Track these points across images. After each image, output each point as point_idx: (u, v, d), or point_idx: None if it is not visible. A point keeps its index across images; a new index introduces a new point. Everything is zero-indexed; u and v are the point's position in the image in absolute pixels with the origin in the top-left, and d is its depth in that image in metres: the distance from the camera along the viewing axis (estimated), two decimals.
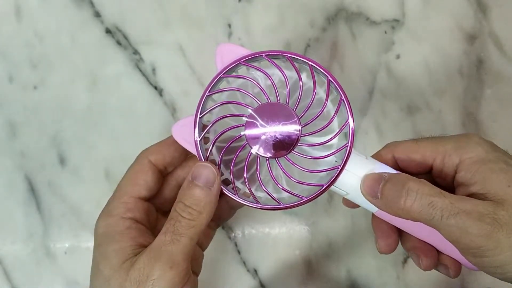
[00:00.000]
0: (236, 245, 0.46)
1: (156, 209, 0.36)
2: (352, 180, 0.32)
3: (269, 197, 0.32)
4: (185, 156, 0.36)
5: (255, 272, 0.46)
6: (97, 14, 0.47)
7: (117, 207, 0.33)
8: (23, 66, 0.47)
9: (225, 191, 0.32)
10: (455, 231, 0.28)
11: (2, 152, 0.46)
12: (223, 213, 0.38)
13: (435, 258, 0.34)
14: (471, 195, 0.30)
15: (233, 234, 0.46)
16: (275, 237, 0.46)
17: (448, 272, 0.34)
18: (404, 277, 0.46)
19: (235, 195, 0.32)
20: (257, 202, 0.32)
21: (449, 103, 0.47)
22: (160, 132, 0.47)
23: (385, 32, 0.47)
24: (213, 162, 0.32)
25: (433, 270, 0.45)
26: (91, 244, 0.46)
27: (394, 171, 0.33)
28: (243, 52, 0.33)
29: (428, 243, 0.34)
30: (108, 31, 0.47)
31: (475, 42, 0.47)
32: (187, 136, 0.32)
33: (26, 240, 0.46)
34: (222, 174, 0.33)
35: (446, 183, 0.33)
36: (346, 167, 0.32)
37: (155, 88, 0.47)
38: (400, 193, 0.29)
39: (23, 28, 0.47)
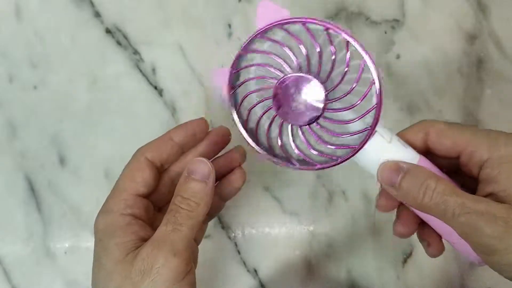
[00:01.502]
0: (236, 245, 0.46)
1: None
2: (372, 157, 0.32)
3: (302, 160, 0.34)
4: (181, 152, 0.36)
5: (255, 272, 0.46)
6: (97, 14, 0.47)
7: (116, 204, 0.33)
8: (23, 66, 0.47)
9: (259, 152, 0.34)
10: (466, 229, 0.29)
11: (2, 152, 0.46)
12: (214, 206, 0.38)
13: (441, 248, 0.35)
14: (492, 194, 0.30)
15: (233, 234, 0.46)
16: (275, 237, 0.46)
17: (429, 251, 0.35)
18: (404, 277, 0.46)
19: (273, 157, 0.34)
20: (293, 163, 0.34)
21: (449, 103, 0.47)
22: (160, 132, 0.47)
23: (385, 32, 0.47)
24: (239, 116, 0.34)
25: (433, 270, 0.45)
26: (91, 244, 0.46)
27: (416, 156, 0.32)
28: (284, 13, 0.33)
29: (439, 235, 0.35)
30: (108, 31, 0.47)
31: (475, 42, 0.47)
32: (223, 84, 0.34)
33: (26, 240, 0.46)
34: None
35: (470, 174, 0.33)
36: (367, 146, 0.32)
37: (155, 88, 0.47)
38: (419, 188, 0.30)
39: (23, 28, 0.47)
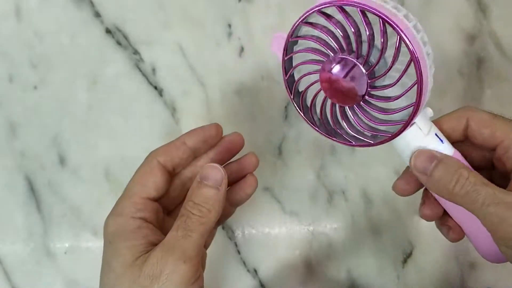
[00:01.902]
0: (236, 245, 0.46)
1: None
2: (416, 134, 0.33)
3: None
4: (193, 157, 0.36)
5: (255, 272, 0.46)
6: (97, 14, 0.47)
7: (127, 207, 0.33)
8: (23, 66, 0.47)
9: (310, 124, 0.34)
10: (494, 220, 0.29)
11: (2, 152, 0.46)
12: (224, 212, 0.38)
13: (462, 234, 0.36)
14: None
15: (233, 234, 0.46)
16: (275, 237, 0.46)
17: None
18: (404, 277, 0.46)
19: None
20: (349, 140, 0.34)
21: (449, 103, 0.47)
22: (160, 132, 0.47)
23: None
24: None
25: (433, 270, 0.45)
26: (91, 244, 0.46)
27: (451, 151, 0.33)
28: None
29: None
30: (108, 31, 0.47)
31: (475, 42, 0.47)
32: (280, 48, 0.34)
33: (26, 240, 0.46)
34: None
35: (504, 168, 0.33)
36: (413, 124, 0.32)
37: (155, 88, 0.47)
38: (452, 177, 0.30)
39: (23, 28, 0.47)
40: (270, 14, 0.47)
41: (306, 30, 0.34)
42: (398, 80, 0.31)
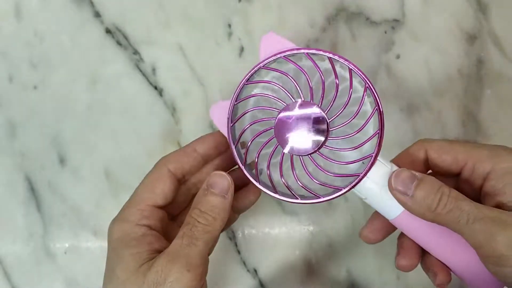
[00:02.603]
0: (236, 245, 0.46)
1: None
2: (372, 186, 0.33)
3: (288, 192, 0.34)
4: (203, 164, 0.36)
5: (255, 272, 0.46)
6: (97, 14, 0.47)
7: (133, 214, 0.33)
8: (23, 66, 0.47)
9: (249, 177, 0.34)
10: (479, 236, 0.28)
11: (2, 152, 0.46)
12: (228, 218, 0.38)
13: (449, 277, 0.34)
14: (499, 205, 0.30)
15: (233, 234, 0.46)
16: (275, 237, 0.46)
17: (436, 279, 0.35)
18: (404, 277, 0.46)
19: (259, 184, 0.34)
20: (292, 196, 0.34)
21: (449, 103, 0.47)
22: (160, 132, 0.47)
23: (385, 32, 0.47)
24: (243, 146, 0.34)
25: None
26: (91, 244, 0.46)
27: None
28: (287, 45, 0.33)
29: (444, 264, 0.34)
30: (108, 31, 0.47)
31: (475, 42, 0.47)
32: (221, 118, 0.34)
33: (26, 240, 0.46)
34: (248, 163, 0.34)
35: (472, 190, 0.33)
36: (368, 175, 0.32)
37: (155, 88, 0.47)
38: (435, 196, 0.30)
39: (23, 28, 0.47)
40: (270, 14, 0.47)
41: (250, 89, 0.34)
42: (360, 129, 0.32)
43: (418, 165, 0.34)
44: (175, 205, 0.36)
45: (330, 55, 0.32)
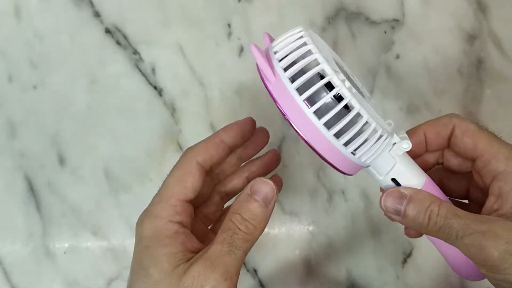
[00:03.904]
0: None
1: None
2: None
3: None
4: (229, 154, 0.36)
5: (255, 272, 0.46)
6: (97, 14, 0.47)
7: (165, 209, 0.32)
8: (23, 66, 0.47)
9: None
10: (471, 249, 0.29)
11: (2, 152, 0.46)
12: None
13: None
14: (500, 209, 0.30)
15: None
16: (275, 237, 0.46)
17: None
18: (404, 277, 0.46)
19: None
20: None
21: (449, 103, 0.47)
22: (160, 132, 0.47)
23: (385, 32, 0.47)
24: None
25: (433, 270, 0.45)
26: (90, 244, 0.46)
27: (422, 178, 0.32)
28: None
29: None
30: (107, 31, 0.47)
31: (475, 42, 0.47)
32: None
33: (26, 240, 0.46)
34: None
35: (481, 182, 0.33)
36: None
37: (155, 88, 0.47)
38: (424, 215, 0.30)
39: (23, 28, 0.47)
40: (270, 14, 0.47)
41: None
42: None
43: (443, 138, 0.34)
44: (199, 196, 0.35)
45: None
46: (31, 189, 0.46)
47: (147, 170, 0.46)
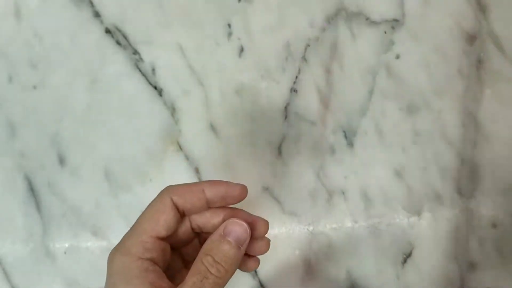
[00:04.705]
0: None
1: None
2: None
3: None
4: (206, 208, 0.34)
5: (255, 272, 0.46)
6: (97, 14, 0.47)
7: (135, 245, 0.31)
8: (23, 66, 0.47)
9: None
10: None
11: (2, 152, 0.46)
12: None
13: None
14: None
15: None
16: (274, 237, 0.46)
17: None
18: (404, 277, 0.46)
19: None
20: None
21: (449, 103, 0.47)
22: (160, 132, 0.47)
23: (385, 32, 0.47)
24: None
25: (433, 270, 0.45)
26: (90, 244, 0.46)
27: None
28: None
29: None
30: (107, 31, 0.47)
31: (475, 42, 0.47)
32: None
33: (26, 240, 0.46)
34: None
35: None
36: None
37: (155, 88, 0.47)
38: None
39: (23, 28, 0.47)
40: (270, 14, 0.47)
41: None
42: None
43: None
44: (177, 238, 0.34)
45: None
46: (31, 189, 0.46)
47: (147, 170, 0.46)
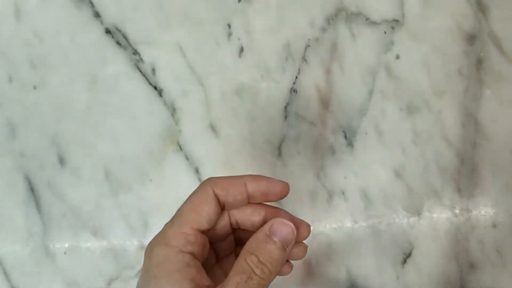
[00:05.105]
0: None
1: None
2: None
3: None
4: (247, 202, 0.33)
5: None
6: (97, 14, 0.47)
7: (177, 237, 0.30)
8: (23, 66, 0.47)
9: None
10: None
11: (2, 152, 0.46)
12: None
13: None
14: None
15: None
16: None
17: None
18: (404, 277, 0.46)
19: None
20: None
21: (449, 103, 0.47)
22: (160, 132, 0.47)
23: (385, 32, 0.47)
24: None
25: (433, 270, 0.45)
26: (90, 244, 0.46)
27: None
28: None
29: None
30: (107, 31, 0.47)
31: (475, 42, 0.47)
32: None
33: (26, 240, 0.46)
34: None
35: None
36: None
37: (155, 88, 0.47)
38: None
39: (23, 28, 0.47)
40: (270, 14, 0.47)
41: None
42: None
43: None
44: (215, 233, 0.33)
45: None
46: (31, 189, 0.46)
47: (147, 170, 0.46)
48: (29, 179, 0.46)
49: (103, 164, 0.47)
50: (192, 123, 0.47)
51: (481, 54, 0.47)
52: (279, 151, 0.47)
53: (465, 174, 0.47)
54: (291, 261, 0.34)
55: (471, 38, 0.47)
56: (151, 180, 0.46)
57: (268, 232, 0.30)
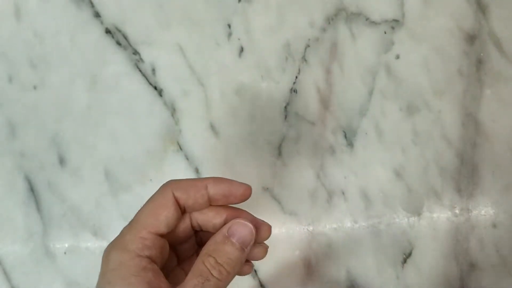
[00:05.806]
0: None
1: None
2: None
3: None
4: (208, 205, 0.33)
5: (255, 272, 0.46)
6: (97, 14, 0.47)
7: (134, 241, 0.30)
8: (23, 66, 0.47)
9: None
10: None
11: (2, 152, 0.46)
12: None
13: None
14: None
15: None
16: (274, 237, 0.46)
17: None
18: (404, 277, 0.46)
19: None
20: None
21: (449, 103, 0.47)
22: (160, 132, 0.47)
23: (385, 32, 0.47)
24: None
25: (433, 270, 0.45)
26: (90, 244, 0.46)
27: None
28: None
29: None
30: (107, 31, 0.47)
31: (475, 42, 0.47)
32: None
33: (26, 240, 0.46)
34: None
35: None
36: None
37: (155, 88, 0.47)
38: None
39: (23, 28, 0.47)
40: (270, 14, 0.47)
41: None
42: None
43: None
44: (176, 235, 0.33)
45: None
46: (31, 189, 0.46)
47: (147, 170, 0.46)
48: (29, 179, 0.46)
49: (103, 164, 0.47)
50: (192, 123, 0.47)
51: (481, 54, 0.47)
52: (279, 151, 0.47)
53: (465, 174, 0.47)
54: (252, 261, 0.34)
55: (471, 38, 0.47)
56: (151, 180, 0.46)
57: (226, 234, 0.30)
